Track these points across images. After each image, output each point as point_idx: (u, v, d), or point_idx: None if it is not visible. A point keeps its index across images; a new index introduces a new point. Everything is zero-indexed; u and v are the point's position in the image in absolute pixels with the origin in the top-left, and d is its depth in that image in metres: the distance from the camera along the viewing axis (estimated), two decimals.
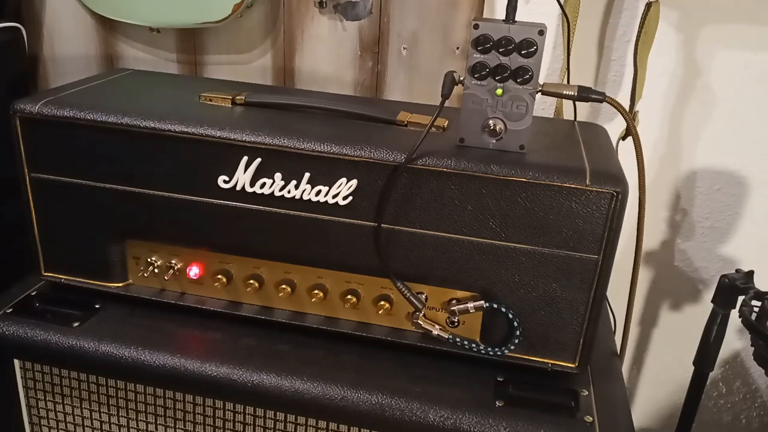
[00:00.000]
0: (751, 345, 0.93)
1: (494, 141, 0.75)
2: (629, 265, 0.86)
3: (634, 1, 1.05)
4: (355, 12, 1.15)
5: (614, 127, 1.02)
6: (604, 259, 0.73)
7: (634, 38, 0.98)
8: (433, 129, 0.79)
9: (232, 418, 0.81)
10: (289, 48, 1.20)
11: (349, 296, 0.81)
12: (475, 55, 0.72)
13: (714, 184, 1.13)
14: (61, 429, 0.88)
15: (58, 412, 0.87)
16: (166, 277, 0.86)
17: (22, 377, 0.86)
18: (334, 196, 0.76)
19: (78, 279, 0.88)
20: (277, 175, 0.76)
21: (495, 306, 0.76)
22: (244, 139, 0.75)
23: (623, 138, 0.98)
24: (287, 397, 0.77)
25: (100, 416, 0.86)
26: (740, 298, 0.97)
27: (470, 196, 0.73)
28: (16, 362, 0.85)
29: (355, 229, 0.77)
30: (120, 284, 0.88)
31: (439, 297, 0.80)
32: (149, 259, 0.86)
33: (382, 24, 1.15)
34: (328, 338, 0.83)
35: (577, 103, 0.85)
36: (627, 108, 0.98)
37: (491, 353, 0.79)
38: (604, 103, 0.75)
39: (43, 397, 0.87)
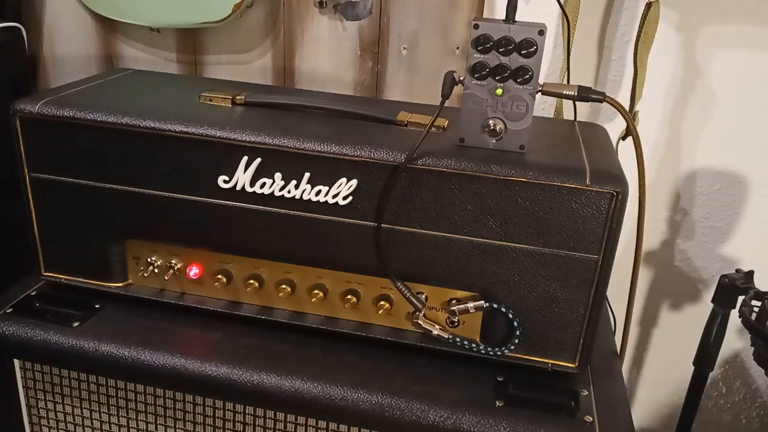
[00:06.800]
0: (751, 345, 0.93)
1: (494, 141, 0.75)
2: (629, 265, 0.86)
3: (634, 1, 1.05)
4: (355, 12, 1.15)
5: (614, 127, 1.02)
6: (604, 259, 0.73)
7: (634, 38, 0.98)
8: (433, 129, 0.79)
9: (232, 418, 0.81)
10: (289, 48, 1.20)
11: (349, 296, 0.81)
12: (475, 55, 0.72)
13: (714, 184, 1.13)
14: (61, 429, 0.88)
15: (58, 412, 0.87)
16: (166, 277, 0.86)
17: (22, 377, 0.86)
18: (334, 196, 0.76)
19: (78, 279, 0.88)
20: (277, 175, 0.76)
21: (495, 306, 0.76)
22: (244, 139, 0.75)
23: (623, 138, 0.98)
24: (287, 397, 0.77)
25: (100, 416, 0.86)
26: (740, 298, 0.97)
27: (470, 196, 0.73)
28: (16, 362, 0.85)
29: (355, 229, 0.77)
30: (120, 284, 0.88)
31: (439, 297, 0.80)
32: (149, 259, 0.86)
33: (382, 24, 1.15)
34: (328, 338, 0.83)
35: (577, 103, 0.85)
36: (627, 108, 0.99)
37: (491, 353, 0.79)
38: (604, 103, 0.75)
39: (43, 397, 0.87)
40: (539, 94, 0.73)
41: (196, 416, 0.82)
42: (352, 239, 0.77)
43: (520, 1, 0.92)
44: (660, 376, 1.30)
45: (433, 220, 0.75)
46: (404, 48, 1.16)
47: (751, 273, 0.98)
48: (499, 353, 0.78)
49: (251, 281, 0.83)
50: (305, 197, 0.76)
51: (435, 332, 0.80)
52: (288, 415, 0.79)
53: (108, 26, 1.25)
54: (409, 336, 0.82)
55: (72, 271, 0.87)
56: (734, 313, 0.97)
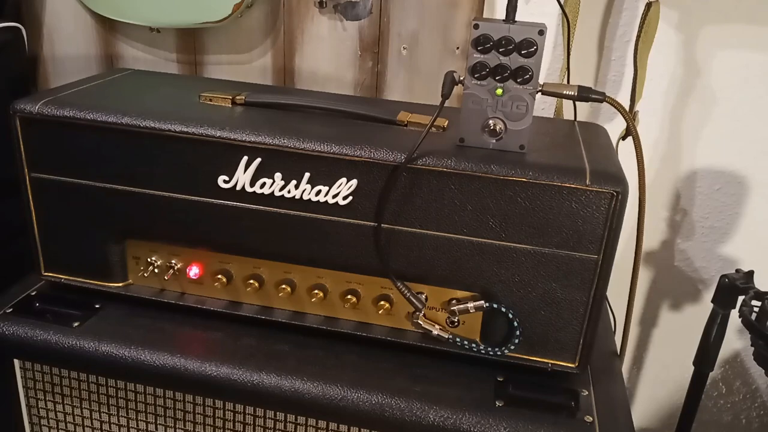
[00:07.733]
0: (751, 345, 0.93)
1: (494, 141, 0.75)
2: (629, 265, 0.86)
3: (634, 1, 1.05)
4: (355, 12, 1.15)
5: (614, 127, 1.02)
6: (604, 259, 0.73)
7: (634, 38, 0.98)
8: (433, 129, 0.79)
9: (232, 418, 0.81)
10: (289, 48, 1.20)
11: (349, 296, 0.81)
12: (475, 55, 0.72)
13: (714, 184, 1.13)
14: (61, 429, 0.88)
15: (58, 412, 0.87)
16: (166, 277, 0.86)
17: (22, 377, 0.86)
18: (334, 196, 0.76)
19: (78, 279, 0.88)
20: (277, 175, 0.76)
21: (495, 306, 0.76)
22: (244, 139, 0.75)
23: (623, 138, 0.98)
24: (287, 397, 0.77)
25: (100, 416, 0.86)
26: (740, 298, 0.97)
27: (470, 196, 0.73)
28: (16, 362, 0.85)
29: (355, 229, 0.77)
30: (120, 284, 0.88)
31: (439, 297, 0.80)
32: (149, 259, 0.86)
33: (382, 24, 1.15)
34: (328, 338, 0.83)
35: (577, 103, 0.85)
36: (627, 108, 0.99)
37: (491, 353, 0.79)
38: (604, 103, 0.75)
39: (43, 397, 0.87)
40: (539, 94, 0.73)
41: (196, 416, 0.82)
42: (352, 239, 0.77)
43: (520, 1, 0.92)
44: (660, 376, 1.30)
45: (433, 220, 0.75)
46: (404, 48, 1.16)
47: (751, 273, 0.98)
48: (499, 353, 0.78)
49: (251, 281, 0.83)
50: (305, 197, 0.76)
51: (435, 332, 0.80)
52: (288, 415, 0.79)
53: (108, 26, 1.25)
54: (409, 336, 0.82)
55: (72, 271, 0.87)
56: (734, 313, 0.97)
